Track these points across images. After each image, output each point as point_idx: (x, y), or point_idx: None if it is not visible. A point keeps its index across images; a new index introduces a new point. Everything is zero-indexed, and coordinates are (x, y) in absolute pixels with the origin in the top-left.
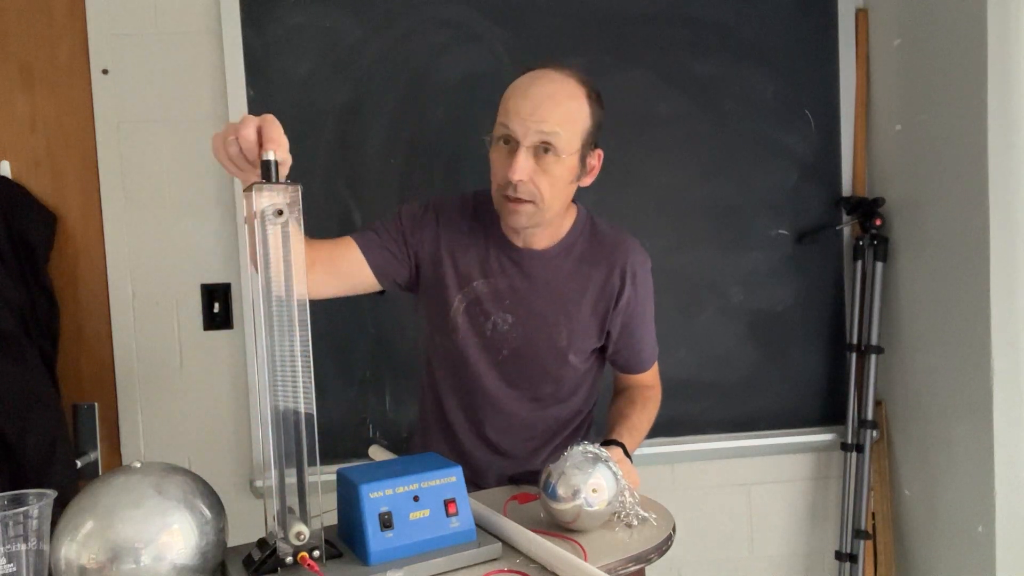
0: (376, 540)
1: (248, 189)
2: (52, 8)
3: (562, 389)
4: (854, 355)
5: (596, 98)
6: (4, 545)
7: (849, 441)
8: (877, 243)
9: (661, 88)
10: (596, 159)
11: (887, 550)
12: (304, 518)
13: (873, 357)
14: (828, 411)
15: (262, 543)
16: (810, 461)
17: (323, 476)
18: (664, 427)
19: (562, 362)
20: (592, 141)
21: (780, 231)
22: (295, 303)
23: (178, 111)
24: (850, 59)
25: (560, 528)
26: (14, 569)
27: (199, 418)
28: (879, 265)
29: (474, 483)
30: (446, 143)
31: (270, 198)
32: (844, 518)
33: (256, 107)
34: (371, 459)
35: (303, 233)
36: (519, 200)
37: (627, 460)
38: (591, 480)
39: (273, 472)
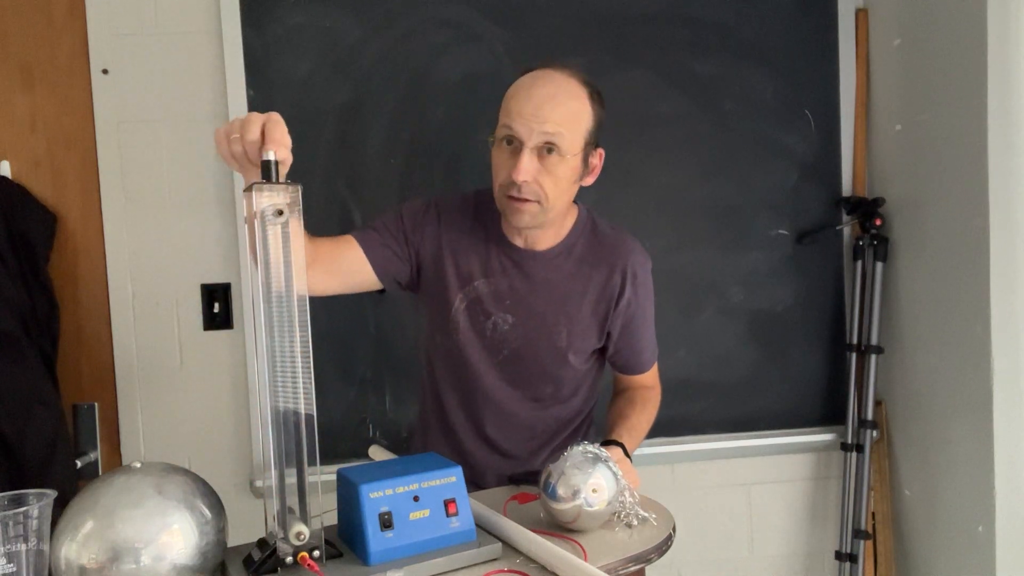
0: (376, 540)
1: (248, 189)
2: (52, 8)
3: (562, 389)
4: (854, 355)
5: (597, 97)
6: (4, 545)
7: (849, 441)
8: (877, 243)
9: (661, 88)
10: (598, 158)
11: (887, 550)
12: (304, 518)
13: (873, 357)
14: (828, 411)
15: (262, 543)
16: (810, 461)
17: (323, 476)
18: (664, 427)
19: (562, 362)
20: (594, 140)
21: (780, 231)
22: (295, 303)
23: (178, 111)
24: (850, 59)
25: (560, 528)
26: (14, 569)
27: (199, 418)
28: (879, 265)
29: (474, 483)
30: (446, 143)
31: (270, 198)
32: (844, 518)
33: (256, 107)
34: (371, 459)
35: (303, 231)
36: (523, 200)
37: (627, 460)
38: (591, 480)
39: (273, 472)
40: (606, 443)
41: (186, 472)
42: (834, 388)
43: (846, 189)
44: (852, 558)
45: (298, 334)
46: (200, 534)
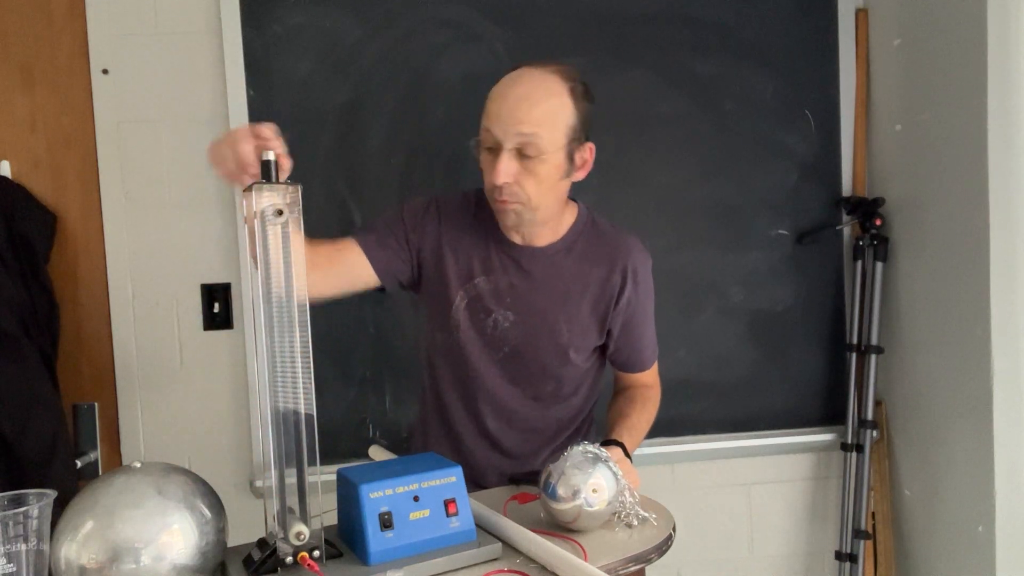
0: (376, 540)
1: (248, 189)
2: (52, 8)
3: (563, 388)
4: (854, 355)
5: (582, 92)
6: (4, 545)
7: (849, 441)
8: (877, 243)
9: (661, 88)
10: (588, 153)
11: (887, 550)
12: (304, 518)
13: (873, 357)
14: (828, 411)
15: (262, 543)
16: (810, 461)
17: (323, 476)
18: (664, 427)
19: (563, 360)
20: (580, 136)
21: (780, 231)
22: (295, 303)
23: (178, 111)
24: (850, 59)
25: (560, 528)
26: (14, 569)
27: (199, 418)
28: (879, 265)
29: (475, 482)
30: (446, 143)
31: (270, 198)
32: (844, 518)
33: (256, 107)
34: (371, 459)
35: (303, 235)
36: (506, 201)
37: (627, 460)
38: (591, 480)
39: (273, 472)
40: (606, 443)
41: (186, 472)
42: (834, 388)
43: (846, 189)
44: (852, 558)
45: (298, 334)
46: (200, 534)
